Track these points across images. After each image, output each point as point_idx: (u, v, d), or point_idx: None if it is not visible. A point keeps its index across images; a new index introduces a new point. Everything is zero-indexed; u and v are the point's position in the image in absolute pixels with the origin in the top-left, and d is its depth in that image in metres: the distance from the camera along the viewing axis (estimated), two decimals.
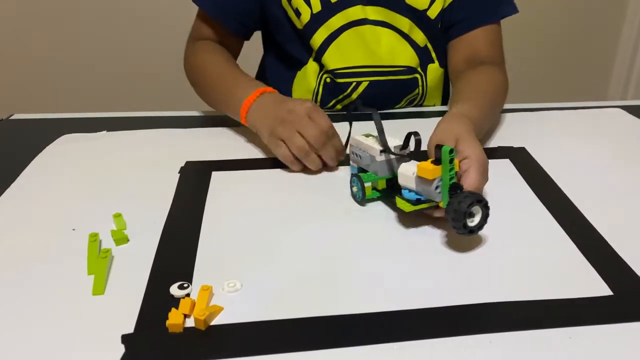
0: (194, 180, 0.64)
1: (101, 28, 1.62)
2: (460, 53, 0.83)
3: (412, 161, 0.54)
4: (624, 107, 0.86)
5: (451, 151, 0.50)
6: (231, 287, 0.46)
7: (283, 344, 0.41)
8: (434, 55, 0.85)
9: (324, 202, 0.59)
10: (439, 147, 0.50)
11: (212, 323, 0.43)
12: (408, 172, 0.53)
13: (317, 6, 0.78)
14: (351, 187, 0.60)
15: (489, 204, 0.50)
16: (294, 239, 0.53)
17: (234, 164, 0.68)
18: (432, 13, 0.81)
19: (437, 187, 0.51)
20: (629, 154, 0.72)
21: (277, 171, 0.66)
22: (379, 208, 0.58)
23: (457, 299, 0.45)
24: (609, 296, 0.46)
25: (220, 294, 0.46)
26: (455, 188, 0.51)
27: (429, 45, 0.84)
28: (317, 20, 0.79)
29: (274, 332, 0.42)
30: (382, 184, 0.58)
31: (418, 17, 0.81)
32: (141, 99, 1.64)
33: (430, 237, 0.54)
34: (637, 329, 0.42)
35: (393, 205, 0.57)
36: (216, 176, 0.65)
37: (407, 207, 0.52)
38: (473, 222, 0.50)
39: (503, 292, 0.46)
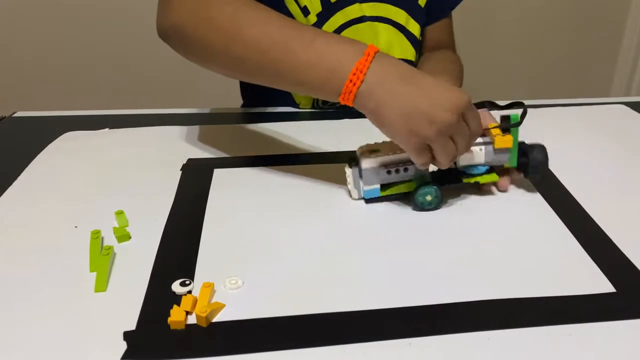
0: (196, 178, 0.64)
1: (103, 26, 1.62)
2: (433, 38, 0.87)
3: None
4: (627, 104, 0.86)
5: (519, 115, 0.55)
6: (233, 284, 0.46)
7: (285, 340, 0.41)
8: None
9: (326, 199, 0.59)
10: (506, 117, 0.55)
11: (214, 320, 0.43)
12: (475, 149, 0.55)
13: (317, 7, 0.78)
14: (420, 201, 0.55)
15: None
16: (296, 236, 0.53)
17: (236, 161, 0.68)
18: (422, 1, 0.82)
19: (509, 152, 0.56)
20: (632, 150, 0.71)
21: (280, 168, 0.66)
22: (381, 205, 0.58)
23: (457, 296, 0.45)
24: (612, 293, 0.45)
25: (222, 291, 0.46)
26: (521, 146, 0.57)
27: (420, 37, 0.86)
28: (321, 20, 0.78)
29: (275, 329, 0.42)
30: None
31: (411, 6, 0.82)
32: (143, 97, 1.64)
33: (432, 234, 0.53)
34: (639, 326, 0.42)
35: (406, 199, 0.57)
36: (218, 173, 0.65)
37: (495, 177, 0.57)
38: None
39: (504, 289, 0.46)
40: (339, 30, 0.79)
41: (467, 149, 0.52)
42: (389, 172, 0.55)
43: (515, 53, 1.82)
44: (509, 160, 0.57)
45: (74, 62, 1.66)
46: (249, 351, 0.40)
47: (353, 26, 0.79)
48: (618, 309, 0.44)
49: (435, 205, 0.56)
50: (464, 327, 0.42)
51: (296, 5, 0.77)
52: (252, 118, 0.82)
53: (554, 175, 0.64)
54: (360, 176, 0.56)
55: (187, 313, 0.43)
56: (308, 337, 0.41)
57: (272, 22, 0.52)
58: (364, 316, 0.43)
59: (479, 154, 0.55)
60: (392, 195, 0.57)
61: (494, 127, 0.56)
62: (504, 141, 0.55)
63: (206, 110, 0.85)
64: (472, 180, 0.56)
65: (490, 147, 0.55)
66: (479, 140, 0.55)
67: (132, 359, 0.39)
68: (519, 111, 0.55)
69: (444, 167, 0.52)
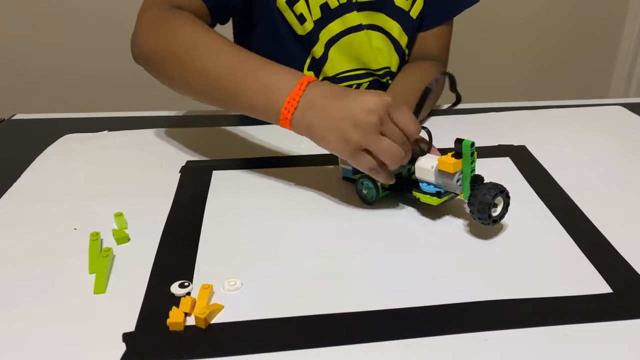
0: (195, 180, 0.64)
1: (102, 28, 1.62)
2: (421, 47, 0.85)
3: (427, 155, 0.55)
4: (625, 105, 0.86)
5: (472, 144, 0.51)
6: (232, 285, 0.46)
7: (283, 342, 0.41)
8: (407, 56, 0.86)
9: (324, 200, 0.59)
10: (459, 140, 0.51)
11: (213, 321, 0.43)
12: (427, 165, 0.54)
13: (317, 14, 0.77)
14: (360, 189, 0.58)
15: (509, 194, 0.52)
16: (295, 238, 0.53)
17: (235, 163, 0.68)
18: (414, 13, 0.82)
19: (458, 180, 0.52)
20: (629, 151, 0.71)
21: (279, 170, 0.66)
22: (380, 206, 0.58)
23: (455, 298, 0.45)
24: (609, 293, 0.46)
25: (221, 292, 0.46)
26: (476, 180, 0.53)
27: (407, 49, 0.84)
28: (319, 26, 0.78)
29: (274, 330, 0.42)
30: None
31: (403, 18, 0.81)
32: (142, 99, 1.64)
33: (429, 235, 0.54)
34: (636, 327, 0.42)
35: (405, 200, 0.58)
36: (217, 175, 0.65)
37: (435, 201, 0.54)
38: (496, 212, 0.52)
39: (501, 289, 0.46)
40: (338, 37, 0.79)
41: (405, 147, 0.53)
42: None
43: (513, 55, 1.82)
44: (460, 190, 0.53)
45: (73, 64, 1.66)
46: (247, 352, 0.40)
47: (351, 34, 0.79)
48: (615, 309, 0.44)
49: (369, 200, 0.58)
50: (462, 328, 0.42)
51: (292, 14, 0.77)
52: (251, 120, 0.81)
53: (551, 176, 0.64)
54: None
55: (186, 314, 0.43)
56: (307, 339, 0.41)
57: (223, 55, 0.57)
58: (362, 317, 0.43)
59: (429, 171, 0.53)
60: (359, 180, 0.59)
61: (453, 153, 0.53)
62: (445, 163, 0.52)
63: (205, 113, 0.85)
64: (417, 195, 0.55)
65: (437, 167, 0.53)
66: (434, 160, 0.54)
67: None
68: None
69: (393, 166, 0.53)
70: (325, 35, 0.78)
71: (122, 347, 0.40)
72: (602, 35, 1.89)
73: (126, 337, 0.41)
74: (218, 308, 0.44)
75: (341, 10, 0.78)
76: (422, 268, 0.49)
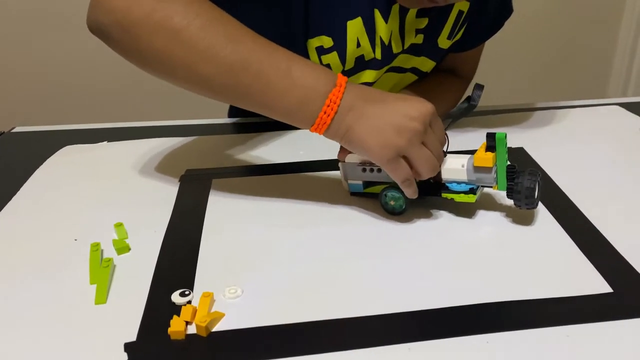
0: (195, 188, 0.64)
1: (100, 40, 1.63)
2: (448, 63, 0.82)
3: (448, 155, 0.55)
4: (623, 105, 0.86)
5: (505, 136, 0.52)
6: (232, 293, 0.46)
7: (285, 348, 0.41)
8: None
9: (323, 206, 0.60)
10: (491, 135, 0.52)
11: (214, 329, 0.43)
12: (456, 165, 0.54)
13: (350, 63, 0.69)
14: (385, 201, 0.56)
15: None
16: (295, 244, 0.53)
17: (234, 171, 0.68)
18: (444, 45, 0.76)
19: (494, 173, 0.53)
20: (628, 151, 0.71)
21: (278, 177, 0.66)
22: (378, 212, 0.58)
23: (454, 300, 0.45)
24: (609, 293, 0.46)
25: (222, 300, 0.46)
26: (511, 169, 0.53)
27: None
28: (346, 74, 0.64)
29: (275, 337, 0.42)
30: None
31: (438, 53, 0.77)
32: (141, 109, 1.65)
33: (429, 238, 0.54)
34: (638, 326, 0.42)
35: (410, 205, 0.57)
36: (217, 183, 0.65)
37: (471, 198, 0.54)
38: (536, 195, 0.53)
39: (501, 291, 0.46)
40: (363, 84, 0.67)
41: (440, 159, 0.53)
42: (364, 170, 0.57)
43: (511, 55, 1.82)
44: (495, 183, 0.54)
45: (72, 76, 1.67)
46: (249, 359, 0.40)
47: (388, 73, 0.74)
48: (615, 309, 0.44)
49: (398, 210, 0.57)
50: (463, 331, 0.42)
51: (317, 59, 0.69)
52: (250, 128, 0.82)
53: (549, 177, 0.64)
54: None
55: (187, 323, 0.43)
56: (308, 345, 0.41)
57: (245, 42, 0.49)
58: (363, 322, 0.43)
59: (461, 170, 0.54)
60: (373, 193, 0.58)
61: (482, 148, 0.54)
62: (483, 159, 0.52)
63: (204, 121, 0.85)
64: (449, 196, 0.55)
65: (471, 165, 0.54)
66: (465, 158, 0.54)
67: None
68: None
69: (425, 177, 0.52)
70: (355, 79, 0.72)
71: (124, 357, 0.40)
72: (599, 35, 1.89)
73: (128, 346, 0.41)
74: (219, 316, 0.44)
75: (380, 62, 0.71)
76: (421, 271, 0.49)
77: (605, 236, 0.53)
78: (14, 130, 0.84)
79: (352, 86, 0.51)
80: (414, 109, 0.49)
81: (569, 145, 0.73)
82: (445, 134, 0.55)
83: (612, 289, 0.46)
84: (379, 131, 0.49)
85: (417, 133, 0.49)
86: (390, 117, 0.49)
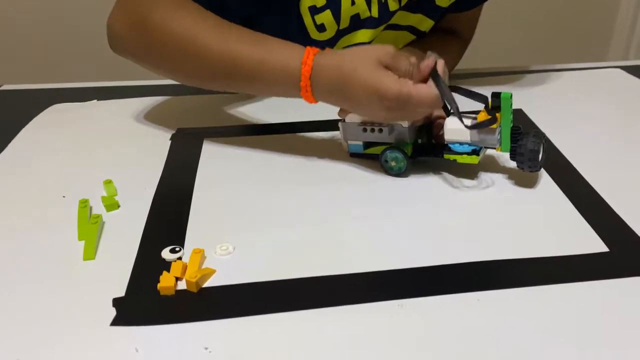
0: (186, 147, 0.63)
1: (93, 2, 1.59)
2: (446, 23, 0.80)
3: (450, 116, 0.53)
4: (624, 68, 0.85)
5: (511, 96, 0.51)
6: (224, 250, 0.46)
7: (276, 304, 0.40)
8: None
9: (321, 166, 0.58)
10: (496, 94, 0.51)
11: (204, 285, 0.42)
12: (459, 125, 0.52)
13: (345, 22, 0.69)
14: (385, 162, 0.56)
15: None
16: (287, 202, 0.52)
17: (228, 130, 0.67)
18: (445, 3, 0.74)
19: (498, 134, 0.52)
20: (628, 114, 0.70)
21: (271, 137, 0.65)
22: (372, 173, 0.57)
23: (449, 258, 0.44)
24: (605, 252, 0.45)
25: (213, 257, 0.45)
26: (516, 131, 0.52)
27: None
28: (341, 34, 0.70)
29: (266, 293, 0.42)
30: (409, 150, 0.56)
31: (438, 12, 0.75)
32: (131, 68, 1.61)
33: (425, 197, 0.53)
34: (632, 284, 0.42)
35: (428, 166, 0.56)
36: (208, 143, 0.64)
37: (474, 159, 0.53)
38: (541, 157, 0.52)
39: (497, 250, 0.45)
40: (360, 44, 0.70)
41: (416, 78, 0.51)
42: (364, 130, 0.56)
43: (510, 18, 1.79)
44: (500, 144, 0.53)
45: (61, 33, 1.63)
46: (239, 315, 0.40)
47: (385, 31, 0.73)
48: (611, 267, 0.44)
49: (398, 171, 0.56)
50: (454, 288, 0.41)
51: (311, 20, 0.68)
52: None
53: (548, 139, 0.63)
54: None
55: (177, 279, 0.42)
56: (298, 301, 0.41)
57: (230, 38, 0.56)
58: (354, 279, 0.43)
59: (464, 131, 0.52)
60: (373, 154, 0.57)
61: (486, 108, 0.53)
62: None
63: None
64: (452, 157, 0.54)
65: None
66: (467, 118, 0.53)
67: (121, 324, 0.39)
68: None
69: (432, 110, 0.53)
70: (344, 42, 0.71)
71: (112, 312, 0.40)
72: None
73: (116, 302, 0.41)
74: (210, 272, 0.43)
75: (377, 21, 0.70)
76: (415, 230, 0.48)
77: (604, 197, 0.52)
78: (1, 89, 0.82)
79: (320, 58, 0.52)
80: (383, 88, 0.49)
81: (569, 108, 0.72)
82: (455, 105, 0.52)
83: (609, 248, 0.46)
84: (363, 106, 0.52)
85: (397, 101, 0.49)
86: (367, 91, 0.50)
